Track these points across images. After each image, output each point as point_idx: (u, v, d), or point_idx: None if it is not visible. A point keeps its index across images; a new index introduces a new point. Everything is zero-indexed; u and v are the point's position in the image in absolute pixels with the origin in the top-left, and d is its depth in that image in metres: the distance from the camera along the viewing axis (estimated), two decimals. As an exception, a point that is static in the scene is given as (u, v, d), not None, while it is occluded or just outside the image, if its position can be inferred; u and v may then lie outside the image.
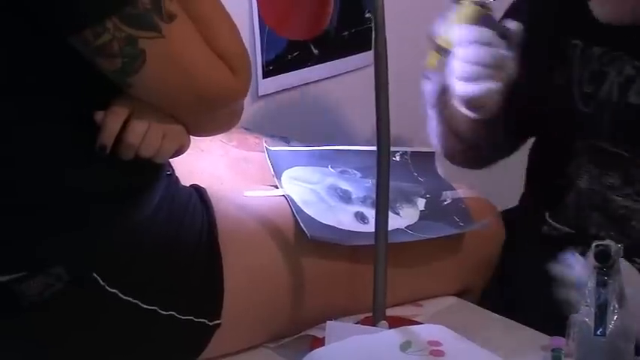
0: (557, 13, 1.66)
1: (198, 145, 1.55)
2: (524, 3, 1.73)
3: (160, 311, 1.36)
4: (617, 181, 1.60)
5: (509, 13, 1.73)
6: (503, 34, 1.52)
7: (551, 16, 1.67)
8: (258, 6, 1.65)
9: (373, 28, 1.29)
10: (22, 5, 1.24)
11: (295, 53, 1.92)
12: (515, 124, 1.68)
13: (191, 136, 1.41)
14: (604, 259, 1.24)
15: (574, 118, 1.61)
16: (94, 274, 1.32)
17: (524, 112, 1.68)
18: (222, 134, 1.60)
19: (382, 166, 1.34)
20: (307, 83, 2.11)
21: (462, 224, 1.59)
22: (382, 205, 1.36)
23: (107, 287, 1.33)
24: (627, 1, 1.58)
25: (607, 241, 1.25)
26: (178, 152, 1.38)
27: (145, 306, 1.35)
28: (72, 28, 1.23)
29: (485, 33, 1.49)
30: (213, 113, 1.38)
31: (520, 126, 1.70)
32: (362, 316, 1.45)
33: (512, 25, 1.54)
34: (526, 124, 1.72)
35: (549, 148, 1.71)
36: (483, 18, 1.53)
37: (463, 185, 1.70)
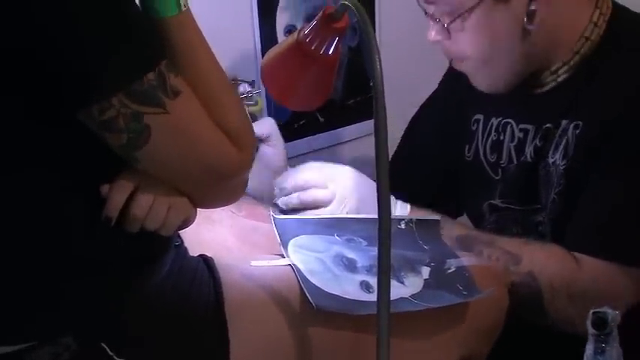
0: (464, 95, 1.83)
1: (208, 215, 1.57)
2: (442, 84, 1.95)
3: None
4: (519, 230, 1.78)
5: (430, 102, 2.00)
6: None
7: (459, 97, 1.85)
8: (262, 79, 1.67)
9: (373, 97, 1.31)
10: (28, 81, 1.23)
11: (301, 122, 1.94)
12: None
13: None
14: (601, 326, 1.25)
15: (482, 186, 1.81)
16: (102, 344, 1.32)
17: (437, 191, 1.94)
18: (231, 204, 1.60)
19: (383, 233, 1.32)
20: (314, 151, 2.13)
21: (465, 293, 1.57)
22: (384, 274, 1.33)
23: (115, 357, 1.33)
24: (488, 72, 1.71)
25: (604, 309, 1.25)
26: (184, 224, 1.38)
27: None
28: (78, 104, 1.24)
29: None
30: (217, 186, 1.38)
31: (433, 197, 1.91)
32: (366, 382, 1.44)
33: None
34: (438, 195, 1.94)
35: (465, 210, 1.90)
36: None
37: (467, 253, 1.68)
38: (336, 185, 1.73)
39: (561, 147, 1.67)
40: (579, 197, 1.65)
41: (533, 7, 1.60)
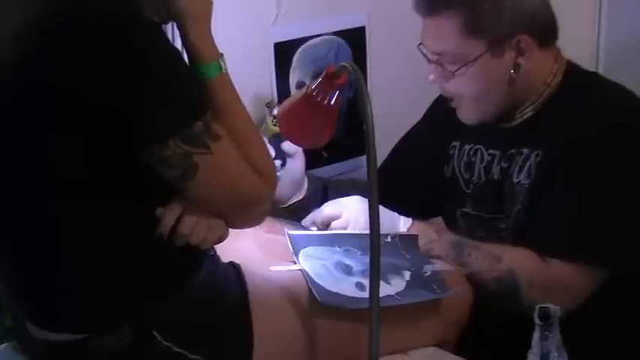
0: (444, 126, 2.04)
1: (236, 231, 1.63)
2: (426, 118, 2.18)
3: None
4: (485, 234, 1.99)
5: (415, 130, 2.20)
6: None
7: (440, 128, 2.06)
8: (278, 124, 1.83)
9: (366, 137, 1.41)
10: (102, 125, 1.37)
11: (308, 158, 2.04)
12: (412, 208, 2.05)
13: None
14: (545, 318, 1.39)
15: (457, 197, 1.99)
16: (154, 332, 1.49)
17: (420, 199, 2.11)
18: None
19: (373, 245, 1.45)
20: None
21: (439, 291, 1.70)
22: (374, 277, 1.46)
23: (163, 341, 1.49)
24: (479, 107, 1.95)
25: (548, 304, 1.39)
26: (219, 240, 1.53)
27: (192, 356, 1.52)
28: (143, 144, 1.39)
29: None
30: (246, 211, 1.52)
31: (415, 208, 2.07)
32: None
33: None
34: (421, 207, 2.11)
35: (442, 215, 2.09)
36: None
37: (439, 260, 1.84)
38: (348, 213, 1.93)
39: (525, 170, 1.90)
40: (541, 208, 1.87)
41: (520, 62, 1.89)
